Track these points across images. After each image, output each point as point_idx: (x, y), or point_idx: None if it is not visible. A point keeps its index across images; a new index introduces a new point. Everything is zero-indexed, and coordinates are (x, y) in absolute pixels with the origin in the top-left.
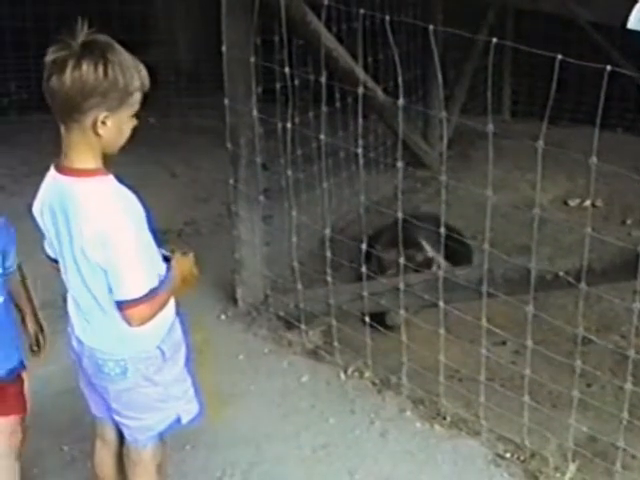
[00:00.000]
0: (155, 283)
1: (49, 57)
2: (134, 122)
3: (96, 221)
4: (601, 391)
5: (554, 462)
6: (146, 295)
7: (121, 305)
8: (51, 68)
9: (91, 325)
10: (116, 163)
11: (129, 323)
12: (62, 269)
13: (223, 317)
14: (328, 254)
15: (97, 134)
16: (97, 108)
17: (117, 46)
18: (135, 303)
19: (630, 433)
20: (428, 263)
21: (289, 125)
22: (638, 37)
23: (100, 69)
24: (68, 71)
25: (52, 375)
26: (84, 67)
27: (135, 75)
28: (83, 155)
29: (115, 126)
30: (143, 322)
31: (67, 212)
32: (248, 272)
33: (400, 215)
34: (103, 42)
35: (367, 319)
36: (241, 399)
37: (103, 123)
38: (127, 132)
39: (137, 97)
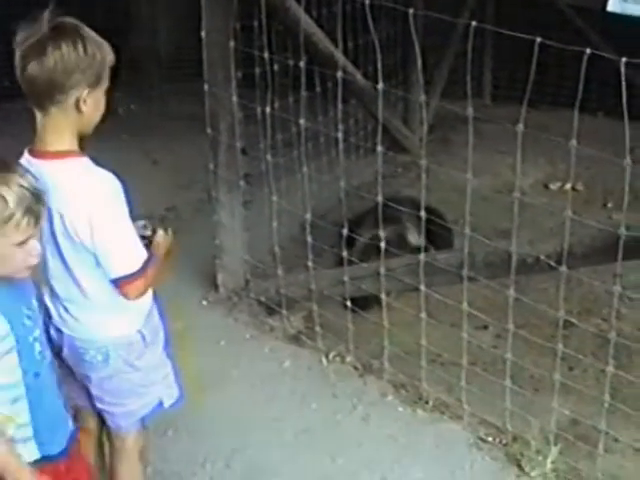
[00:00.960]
0: (145, 255)
1: (23, 45)
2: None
3: (79, 201)
4: (583, 374)
5: (536, 445)
6: (142, 268)
7: (119, 282)
8: (27, 54)
9: (70, 312)
10: (97, 150)
11: (127, 297)
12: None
13: (204, 303)
14: (309, 239)
15: (80, 111)
16: (79, 86)
17: (83, 25)
18: (133, 278)
19: (612, 416)
20: (410, 243)
21: (268, 109)
22: (617, 19)
23: (80, 47)
24: (49, 53)
25: None
26: (64, 47)
27: (107, 49)
28: (60, 137)
29: (94, 103)
30: (140, 296)
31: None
32: (229, 257)
33: (380, 198)
34: (72, 23)
35: (348, 304)
36: (223, 385)
37: (84, 101)
38: (103, 107)
39: (108, 71)
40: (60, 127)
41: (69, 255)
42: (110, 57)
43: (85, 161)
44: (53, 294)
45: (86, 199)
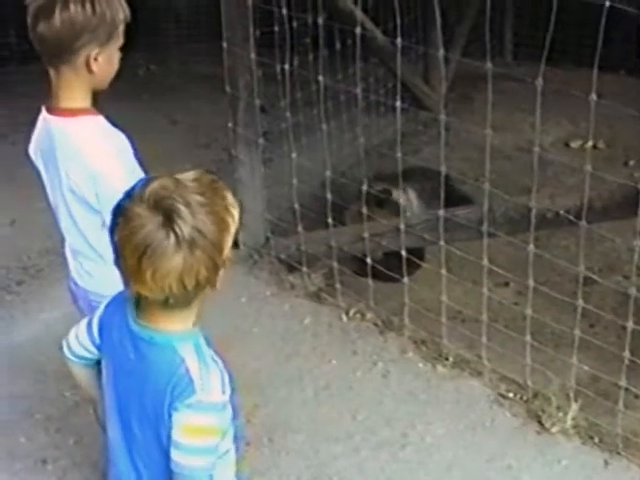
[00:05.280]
0: None
1: (33, 4)
2: (119, 54)
3: (85, 159)
4: (604, 331)
5: (556, 402)
6: None
7: None
8: (37, 14)
9: (84, 267)
10: (117, 111)
11: None
12: (55, 212)
13: None
14: (329, 196)
15: (90, 71)
16: (88, 46)
17: None
18: None
19: (632, 372)
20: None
21: (287, 67)
22: None
23: (88, 6)
24: (57, 14)
25: (54, 321)
26: (72, 7)
27: (119, 7)
28: (73, 95)
29: (106, 61)
30: None
31: (55, 152)
32: (249, 215)
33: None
34: None
35: (369, 260)
36: (244, 342)
37: (95, 59)
38: (116, 64)
39: (122, 29)
40: (72, 85)
41: (78, 214)
42: (122, 14)
43: (99, 120)
44: (70, 248)
45: (92, 158)
